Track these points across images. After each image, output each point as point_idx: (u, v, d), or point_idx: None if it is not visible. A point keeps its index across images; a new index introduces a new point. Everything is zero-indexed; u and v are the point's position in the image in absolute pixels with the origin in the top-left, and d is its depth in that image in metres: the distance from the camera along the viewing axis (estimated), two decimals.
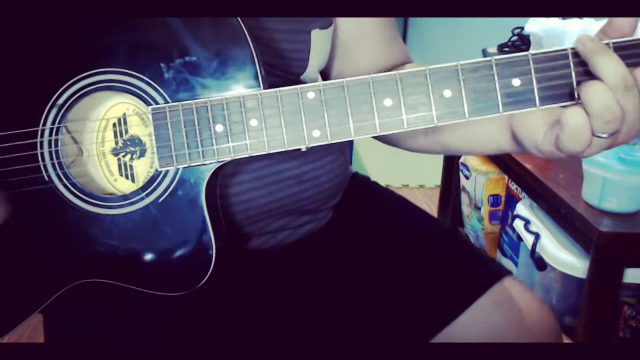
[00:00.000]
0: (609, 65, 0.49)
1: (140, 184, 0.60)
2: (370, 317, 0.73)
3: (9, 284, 0.61)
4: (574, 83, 0.51)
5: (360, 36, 0.76)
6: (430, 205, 2.34)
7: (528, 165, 1.25)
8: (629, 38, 0.50)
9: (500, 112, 0.52)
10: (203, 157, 0.56)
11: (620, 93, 0.49)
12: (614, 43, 0.50)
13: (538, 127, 0.55)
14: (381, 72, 0.77)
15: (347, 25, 0.75)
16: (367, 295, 0.74)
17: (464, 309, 0.71)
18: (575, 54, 0.51)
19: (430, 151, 0.74)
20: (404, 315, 0.73)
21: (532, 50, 0.52)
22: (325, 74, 0.79)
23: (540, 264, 1.24)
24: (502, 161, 1.39)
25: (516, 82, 0.52)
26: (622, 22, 0.50)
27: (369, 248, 0.78)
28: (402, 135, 0.74)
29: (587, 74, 0.51)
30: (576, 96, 0.51)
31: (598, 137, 0.50)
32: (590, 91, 0.49)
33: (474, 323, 0.71)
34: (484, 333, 0.71)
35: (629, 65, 0.50)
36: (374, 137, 0.61)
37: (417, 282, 0.74)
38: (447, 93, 0.53)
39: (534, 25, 1.41)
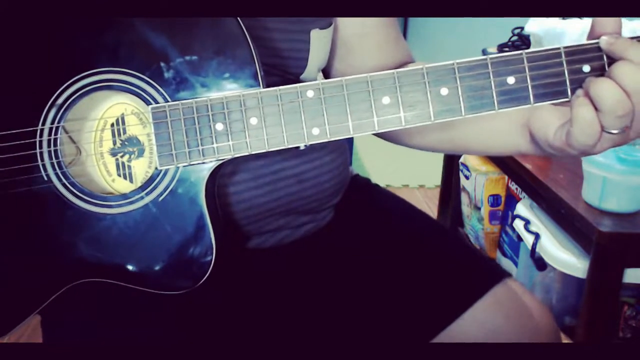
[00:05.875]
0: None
1: (139, 184, 0.60)
2: (370, 318, 0.73)
3: (8, 284, 0.61)
4: (567, 81, 0.52)
5: (363, 35, 0.76)
6: (430, 205, 2.34)
7: (528, 165, 1.25)
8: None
9: (496, 109, 0.53)
10: (203, 155, 0.56)
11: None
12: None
13: (550, 123, 0.56)
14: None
15: (350, 25, 0.75)
16: (367, 295, 0.74)
17: (465, 310, 0.71)
18: (568, 53, 0.52)
19: (444, 149, 0.74)
20: (404, 315, 0.73)
21: (526, 49, 0.53)
22: (328, 74, 0.79)
23: (540, 264, 1.24)
24: (502, 161, 1.39)
25: (511, 80, 0.53)
26: (606, 21, 0.52)
27: (369, 248, 0.78)
28: (413, 130, 0.73)
29: (580, 72, 0.52)
30: (569, 93, 0.52)
31: (610, 133, 0.51)
32: (602, 87, 0.49)
33: (474, 324, 0.71)
34: (484, 334, 0.71)
35: None
36: (375, 135, 0.61)
37: (417, 283, 0.74)
38: (444, 91, 0.53)
39: (534, 25, 1.41)
